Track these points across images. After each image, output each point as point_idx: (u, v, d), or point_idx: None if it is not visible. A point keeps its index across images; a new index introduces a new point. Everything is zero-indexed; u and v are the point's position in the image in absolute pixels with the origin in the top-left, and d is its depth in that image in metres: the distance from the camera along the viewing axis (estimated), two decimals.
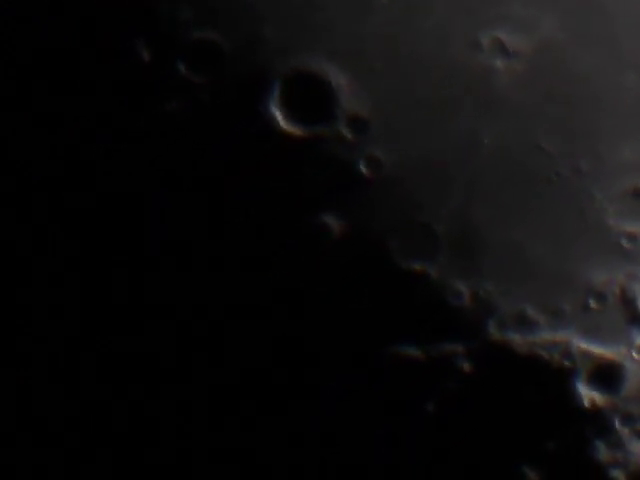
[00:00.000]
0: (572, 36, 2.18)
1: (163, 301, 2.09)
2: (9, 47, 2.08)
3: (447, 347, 2.12)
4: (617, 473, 2.15)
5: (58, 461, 2.14)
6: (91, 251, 2.07)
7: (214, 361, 2.09)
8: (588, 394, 2.15)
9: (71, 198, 2.08)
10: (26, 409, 2.14)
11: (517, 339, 2.14)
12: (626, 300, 2.18)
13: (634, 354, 2.17)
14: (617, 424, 2.15)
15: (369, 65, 2.11)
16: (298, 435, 2.08)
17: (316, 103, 2.10)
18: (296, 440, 2.08)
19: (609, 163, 2.18)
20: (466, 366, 2.12)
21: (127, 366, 2.10)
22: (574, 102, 2.17)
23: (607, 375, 2.16)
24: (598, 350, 2.17)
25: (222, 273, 2.08)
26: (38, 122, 2.07)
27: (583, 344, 2.16)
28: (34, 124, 2.06)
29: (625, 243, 2.18)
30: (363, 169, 2.11)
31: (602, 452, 2.15)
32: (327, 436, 2.09)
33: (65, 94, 2.08)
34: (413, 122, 2.12)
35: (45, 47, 2.08)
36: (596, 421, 2.15)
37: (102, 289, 2.09)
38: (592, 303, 2.17)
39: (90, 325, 2.10)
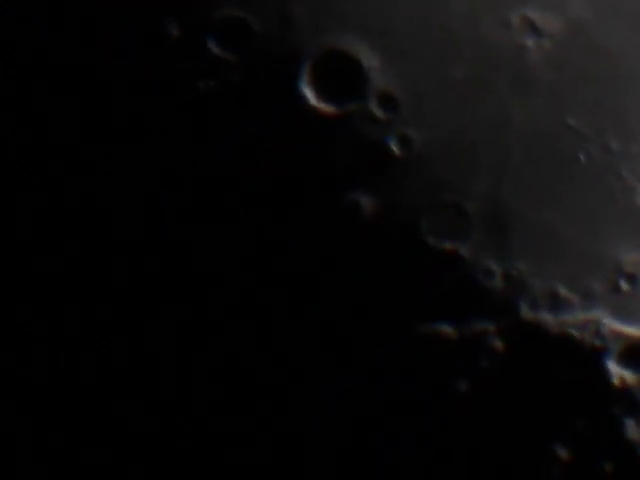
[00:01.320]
0: (602, 14, 2.17)
1: (189, 283, 2.09)
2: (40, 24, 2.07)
3: (479, 326, 2.12)
4: None
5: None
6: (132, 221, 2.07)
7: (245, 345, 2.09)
8: (618, 373, 2.15)
9: (102, 182, 2.07)
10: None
11: (548, 318, 2.14)
12: None
13: None
14: None
15: (400, 44, 2.11)
16: (337, 407, 2.08)
17: (347, 82, 2.10)
18: (337, 412, 2.08)
19: None
20: (498, 345, 2.12)
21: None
22: (604, 81, 2.16)
23: (637, 354, 2.17)
24: (628, 330, 2.17)
25: (251, 251, 2.08)
26: (69, 102, 2.07)
27: (614, 324, 2.16)
28: (67, 103, 2.06)
29: None
30: (394, 148, 2.10)
31: (632, 430, 2.15)
32: (360, 412, 2.09)
33: (94, 73, 2.07)
34: (444, 101, 2.11)
35: (73, 25, 2.07)
36: (626, 400, 2.15)
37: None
38: (622, 284, 2.17)
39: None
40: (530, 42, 2.15)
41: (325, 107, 2.08)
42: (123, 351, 2.09)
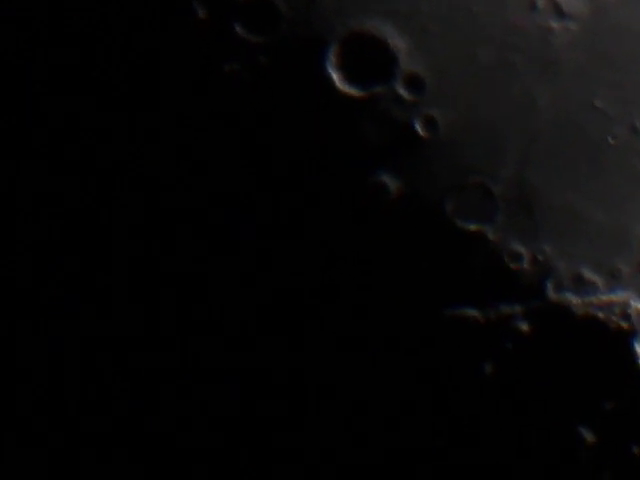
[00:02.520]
0: None
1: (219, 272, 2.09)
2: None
3: (505, 308, 2.11)
4: None
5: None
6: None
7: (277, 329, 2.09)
8: None
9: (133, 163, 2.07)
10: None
11: (575, 300, 2.14)
12: None
13: None
14: None
15: (426, 26, 2.11)
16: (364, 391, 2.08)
17: (373, 64, 2.10)
18: (362, 397, 2.08)
19: None
20: (524, 327, 2.12)
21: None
22: (630, 63, 2.16)
23: None
24: None
25: (280, 230, 2.08)
26: (95, 81, 2.07)
27: None
28: (92, 82, 2.06)
29: None
30: (419, 129, 2.10)
31: None
32: (386, 397, 2.09)
33: (121, 55, 2.07)
34: (469, 83, 2.11)
35: (103, 7, 2.07)
36: None
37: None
38: None
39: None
40: (556, 24, 2.15)
41: (351, 89, 2.08)
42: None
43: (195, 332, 2.09)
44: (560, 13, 2.15)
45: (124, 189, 2.07)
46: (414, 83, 2.10)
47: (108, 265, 2.08)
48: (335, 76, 2.08)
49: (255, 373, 2.09)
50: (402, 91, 2.10)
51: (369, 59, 2.10)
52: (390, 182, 2.09)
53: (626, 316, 2.14)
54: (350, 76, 2.09)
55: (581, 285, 2.14)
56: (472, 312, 2.10)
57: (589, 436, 2.13)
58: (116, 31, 2.05)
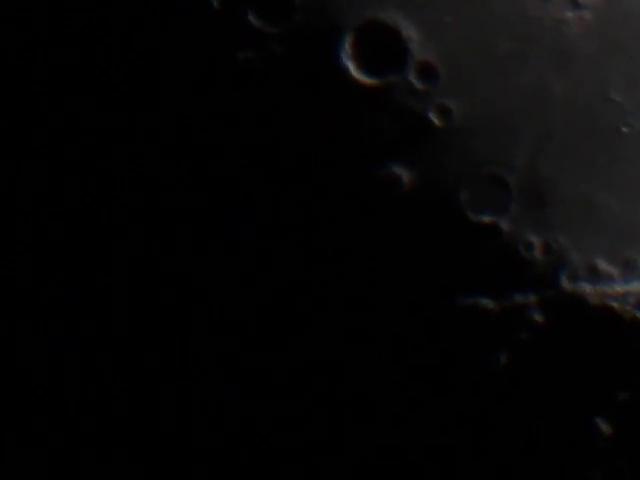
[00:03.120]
0: None
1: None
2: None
3: (519, 298, 2.11)
4: None
5: None
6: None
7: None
8: None
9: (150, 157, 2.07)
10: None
11: (589, 290, 2.13)
12: None
13: None
14: None
15: (439, 16, 2.10)
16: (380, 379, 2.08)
17: (387, 53, 2.10)
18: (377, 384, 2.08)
19: None
20: (538, 317, 2.12)
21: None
22: None
23: None
24: None
25: (294, 219, 2.08)
26: (108, 69, 2.07)
27: None
28: (106, 71, 2.06)
29: None
30: (433, 119, 2.10)
31: None
32: (400, 387, 2.09)
33: (137, 44, 2.07)
34: (483, 73, 2.11)
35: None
36: None
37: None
38: None
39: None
40: (570, 14, 2.14)
41: (365, 78, 2.08)
42: None
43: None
44: (574, 3, 2.15)
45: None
46: (427, 73, 2.10)
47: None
48: (350, 65, 2.08)
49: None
50: (415, 81, 2.10)
51: (383, 49, 2.10)
52: (403, 173, 2.09)
53: None
54: (364, 66, 2.09)
55: (596, 275, 2.14)
56: (486, 302, 2.10)
57: (605, 427, 2.12)
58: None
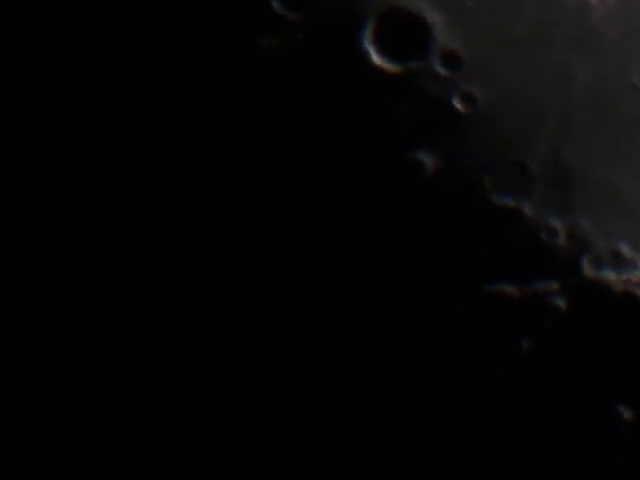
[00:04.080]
0: None
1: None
2: None
3: (542, 285, 2.11)
4: None
5: None
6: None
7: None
8: None
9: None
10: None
11: (612, 277, 2.13)
12: None
13: None
14: None
15: (462, 1, 2.10)
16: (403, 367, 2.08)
17: (410, 40, 2.09)
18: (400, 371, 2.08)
19: None
20: (561, 304, 2.11)
21: None
22: None
23: None
24: None
25: (313, 207, 2.08)
26: (127, 57, 2.07)
27: None
28: (125, 58, 2.06)
29: None
30: (457, 105, 2.10)
31: None
32: (421, 372, 2.09)
33: (157, 32, 2.07)
34: (507, 58, 2.11)
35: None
36: None
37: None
38: None
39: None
40: None
41: (388, 65, 2.08)
42: None
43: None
44: None
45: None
46: (451, 59, 2.10)
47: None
48: (372, 52, 2.08)
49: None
50: (439, 67, 2.10)
51: (406, 35, 2.10)
52: (426, 159, 2.09)
53: None
54: (387, 52, 2.08)
55: (619, 262, 2.13)
56: (509, 288, 2.10)
57: (627, 413, 2.12)
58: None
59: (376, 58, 2.08)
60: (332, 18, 2.07)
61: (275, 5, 2.07)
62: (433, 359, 2.09)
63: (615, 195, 2.13)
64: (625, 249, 2.14)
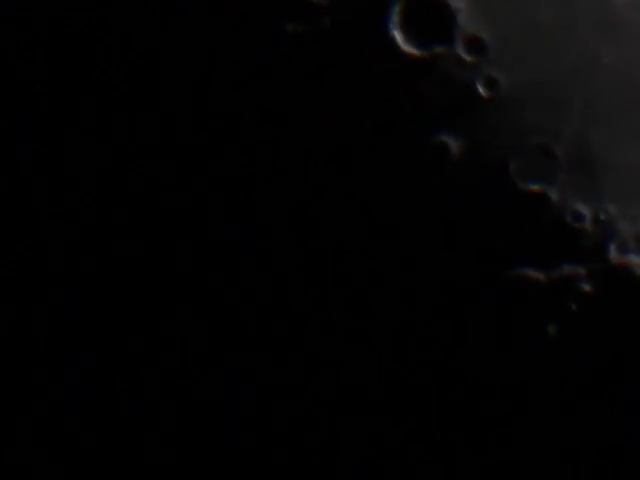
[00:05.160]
0: None
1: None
2: None
3: (568, 269, 2.11)
4: None
5: None
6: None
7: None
8: None
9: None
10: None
11: (637, 262, 2.13)
12: None
13: None
14: None
15: None
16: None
17: (435, 25, 2.10)
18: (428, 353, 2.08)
19: None
20: (587, 288, 2.11)
21: None
22: None
23: None
24: None
25: (339, 191, 2.08)
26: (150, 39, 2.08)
27: None
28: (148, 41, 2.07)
29: None
30: (481, 90, 2.10)
31: None
32: (456, 357, 2.09)
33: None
34: (531, 43, 2.11)
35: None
36: None
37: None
38: None
39: None
40: None
41: (413, 50, 2.09)
42: None
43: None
44: None
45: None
46: (475, 44, 2.10)
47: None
48: (398, 37, 2.09)
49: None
50: (463, 52, 2.10)
51: (431, 20, 2.11)
52: (452, 143, 2.10)
53: None
54: (412, 37, 2.09)
55: None
56: (535, 273, 2.10)
57: None
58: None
59: (402, 43, 2.08)
60: (358, 3, 2.08)
61: None
62: (459, 344, 2.09)
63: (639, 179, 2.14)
64: None
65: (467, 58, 2.10)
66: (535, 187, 2.11)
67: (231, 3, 2.07)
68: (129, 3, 2.05)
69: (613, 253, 2.13)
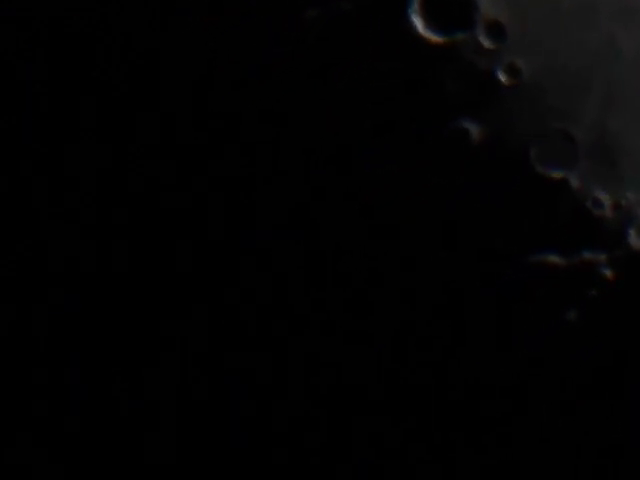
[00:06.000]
0: None
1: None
2: None
3: (588, 255, 2.11)
4: None
5: None
6: None
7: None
8: None
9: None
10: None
11: None
12: None
13: None
14: None
15: None
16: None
17: (455, 11, 2.10)
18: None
19: None
20: (608, 274, 2.12)
21: None
22: None
23: None
24: None
25: (359, 180, 2.08)
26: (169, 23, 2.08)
27: None
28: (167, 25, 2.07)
29: None
30: (501, 76, 2.10)
31: None
32: (475, 340, 2.10)
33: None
34: (551, 29, 2.11)
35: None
36: None
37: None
38: None
39: None
40: None
41: (433, 36, 2.08)
42: None
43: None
44: None
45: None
46: (496, 30, 2.10)
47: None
48: (418, 23, 2.08)
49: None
50: (484, 39, 2.10)
51: (451, 6, 2.10)
52: (472, 129, 2.09)
53: None
54: (433, 23, 2.09)
55: None
56: (555, 259, 2.10)
57: None
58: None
59: (421, 29, 2.08)
60: None
61: None
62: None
63: None
64: None
65: (487, 44, 2.10)
66: (556, 173, 2.11)
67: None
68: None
69: (633, 239, 2.13)
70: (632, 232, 2.13)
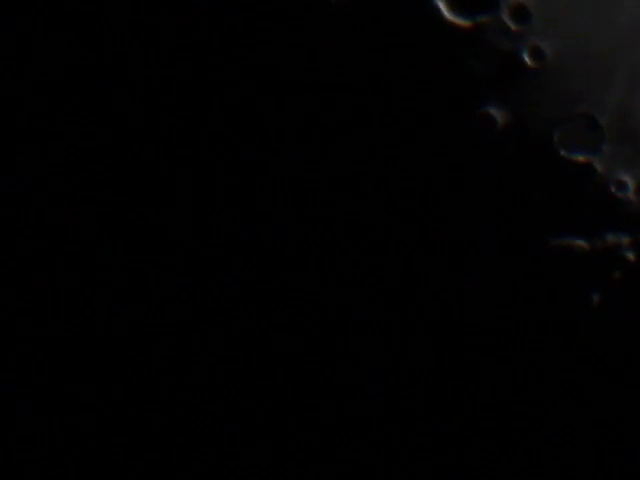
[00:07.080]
0: None
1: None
2: None
3: (612, 238, 2.12)
4: None
5: None
6: None
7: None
8: None
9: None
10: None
11: None
12: None
13: None
14: None
15: None
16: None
17: None
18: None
19: None
20: (631, 256, 2.12)
21: None
22: None
23: None
24: None
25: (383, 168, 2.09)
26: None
27: None
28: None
29: None
30: (526, 59, 2.10)
31: None
32: (492, 323, 2.10)
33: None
34: (575, 12, 2.11)
35: None
36: None
37: None
38: None
39: None
40: None
41: (458, 19, 2.09)
42: None
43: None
44: None
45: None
46: (520, 13, 2.10)
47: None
48: (443, 6, 2.08)
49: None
50: (508, 21, 2.10)
51: None
52: (497, 113, 2.10)
53: None
54: (457, 6, 2.09)
55: None
56: (579, 241, 2.11)
57: None
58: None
59: (446, 12, 2.08)
60: None
61: None
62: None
63: None
64: None
65: (512, 27, 2.10)
66: (580, 157, 2.11)
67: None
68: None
69: None
70: None
